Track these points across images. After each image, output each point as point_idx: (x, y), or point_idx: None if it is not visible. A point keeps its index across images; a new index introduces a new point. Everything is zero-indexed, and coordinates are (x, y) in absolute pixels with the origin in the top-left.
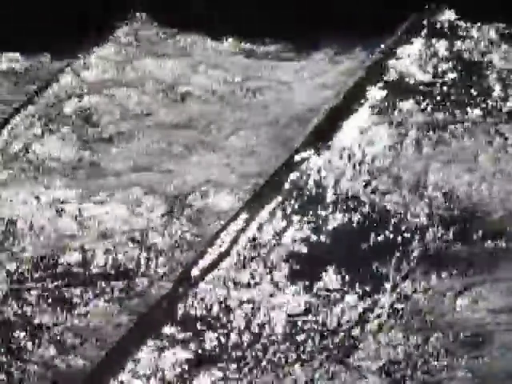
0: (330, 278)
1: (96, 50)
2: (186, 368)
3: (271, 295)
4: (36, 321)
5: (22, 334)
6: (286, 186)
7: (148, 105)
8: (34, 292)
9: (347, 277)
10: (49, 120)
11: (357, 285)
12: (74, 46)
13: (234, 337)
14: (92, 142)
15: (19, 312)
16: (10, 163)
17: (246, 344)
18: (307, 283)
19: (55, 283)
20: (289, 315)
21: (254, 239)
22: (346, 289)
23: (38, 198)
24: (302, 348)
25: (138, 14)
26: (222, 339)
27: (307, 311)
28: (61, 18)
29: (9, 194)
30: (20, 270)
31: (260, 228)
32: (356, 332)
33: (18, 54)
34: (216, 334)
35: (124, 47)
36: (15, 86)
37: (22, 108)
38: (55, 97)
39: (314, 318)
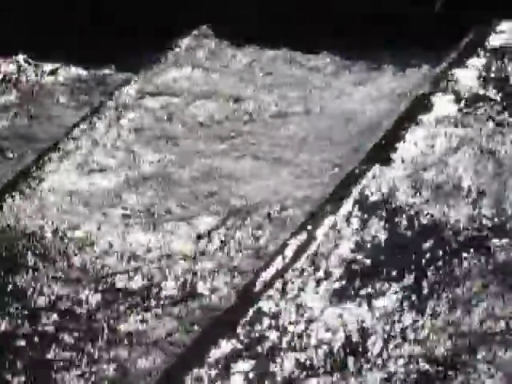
0: (391, 293)
1: (158, 62)
2: None
3: (334, 310)
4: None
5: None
6: (349, 199)
7: (210, 121)
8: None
9: (407, 292)
10: (107, 138)
11: (418, 301)
12: (136, 58)
13: (295, 352)
14: (157, 161)
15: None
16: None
17: (308, 361)
18: (368, 297)
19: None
20: (348, 330)
21: (317, 253)
22: (406, 305)
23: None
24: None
25: (200, 27)
26: (285, 355)
27: (365, 328)
28: (124, 29)
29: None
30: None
31: (323, 242)
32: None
33: (81, 68)
34: (278, 350)
35: (187, 60)
36: (79, 99)
37: (79, 123)
38: (114, 110)
39: (371, 337)
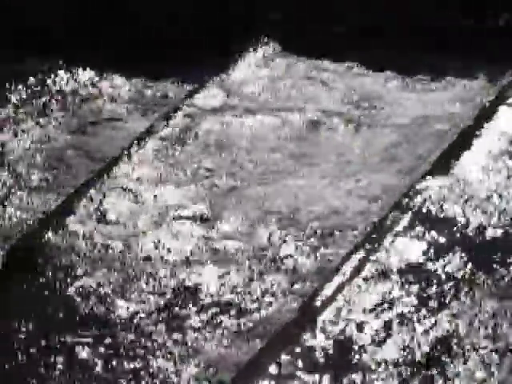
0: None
1: (224, 75)
2: None
3: (399, 327)
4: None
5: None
6: (410, 213)
7: (278, 135)
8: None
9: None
10: (174, 153)
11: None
12: (200, 70)
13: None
14: (225, 178)
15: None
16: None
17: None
18: (435, 312)
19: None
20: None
21: (379, 268)
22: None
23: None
24: None
25: (266, 40)
26: (346, 375)
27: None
28: (189, 43)
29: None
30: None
31: (384, 256)
32: None
33: (143, 80)
34: (339, 369)
35: (254, 73)
36: (143, 114)
37: (143, 138)
38: (180, 126)
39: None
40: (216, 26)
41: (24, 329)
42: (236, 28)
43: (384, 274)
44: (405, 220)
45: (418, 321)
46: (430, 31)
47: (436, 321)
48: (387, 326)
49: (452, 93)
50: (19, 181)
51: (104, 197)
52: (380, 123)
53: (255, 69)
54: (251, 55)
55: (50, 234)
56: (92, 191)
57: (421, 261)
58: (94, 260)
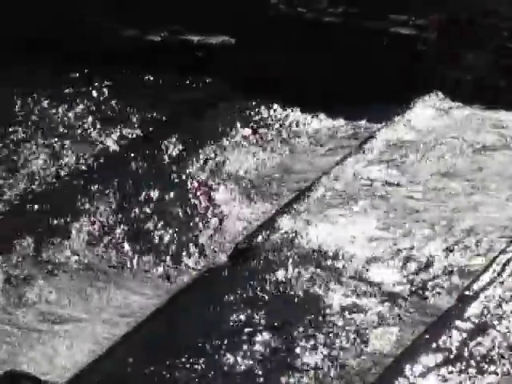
0: None
1: (398, 120)
2: None
3: None
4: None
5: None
6: None
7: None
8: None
9: None
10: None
11: None
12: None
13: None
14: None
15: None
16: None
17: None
18: None
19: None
20: None
21: None
22: None
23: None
24: None
25: (433, 90)
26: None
27: None
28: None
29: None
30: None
31: None
32: None
33: (341, 120)
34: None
35: (418, 119)
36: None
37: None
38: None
39: None
40: (399, 79)
41: (247, 311)
42: (414, 81)
43: None
44: None
45: None
46: None
47: None
48: None
49: None
50: (247, 189)
51: (310, 209)
52: None
53: (428, 115)
54: (425, 103)
55: (267, 233)
56: (307, 197)
57: None
58: (302, 260)
